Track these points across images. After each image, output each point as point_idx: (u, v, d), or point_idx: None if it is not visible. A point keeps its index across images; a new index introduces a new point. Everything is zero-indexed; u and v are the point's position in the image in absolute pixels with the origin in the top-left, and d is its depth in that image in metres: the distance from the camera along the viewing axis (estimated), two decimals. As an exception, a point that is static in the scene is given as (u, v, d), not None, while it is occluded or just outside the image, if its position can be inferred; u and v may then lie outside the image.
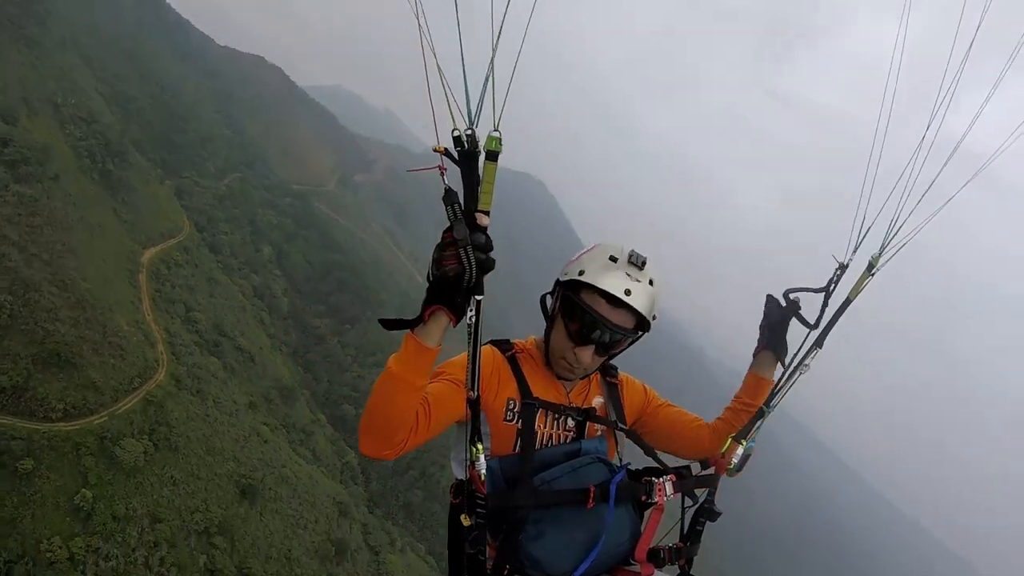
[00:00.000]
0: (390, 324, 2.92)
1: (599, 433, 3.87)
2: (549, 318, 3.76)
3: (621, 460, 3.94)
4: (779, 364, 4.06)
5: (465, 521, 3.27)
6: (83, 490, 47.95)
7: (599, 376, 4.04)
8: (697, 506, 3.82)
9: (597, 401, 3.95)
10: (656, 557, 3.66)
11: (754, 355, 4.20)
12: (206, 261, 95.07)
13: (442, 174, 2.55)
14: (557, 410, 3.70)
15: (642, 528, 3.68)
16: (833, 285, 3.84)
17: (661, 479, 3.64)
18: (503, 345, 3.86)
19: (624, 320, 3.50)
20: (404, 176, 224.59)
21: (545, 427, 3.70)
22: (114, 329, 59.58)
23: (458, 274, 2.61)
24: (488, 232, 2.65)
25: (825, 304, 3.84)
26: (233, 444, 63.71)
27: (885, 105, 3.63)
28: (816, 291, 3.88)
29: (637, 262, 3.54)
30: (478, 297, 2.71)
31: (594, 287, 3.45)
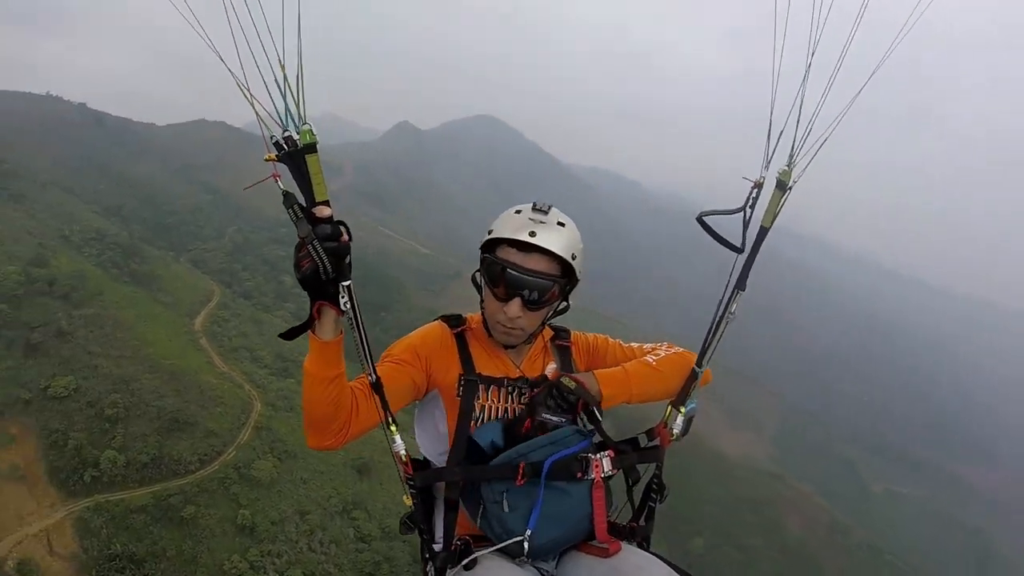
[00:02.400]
0: (289, 334, 3.01)
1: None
2: (479, 289, 3.68)
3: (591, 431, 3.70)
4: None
5: (406, 501, 3.52)
6: (241, 511, 56.08)
7: (549, 341, 3.98)
8: (646, 482, 3.78)
9: (550, 368, 3.77)
10: (617, 531, 3.65)
11: None
12: (244, 309, 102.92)
13: (276, 181, 2.66)
14: (500, 384, 3.67)
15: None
16: (749, 206, 3.42)
17: (599, 455, 3.48)
18: (452, 321, 3.85)
19: (540, 264, 3.42)
20: (374, 169, 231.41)
21: (499, 401, 3.66)
22: (207, 386, 67.95)
23: (314, 270, 2.65)
24: (336, 219, 2.69)
25: (746, 226, 3.46)
26: (335, 438, 71.89)
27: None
28: (733, 212, 3.47)
29: (542, 207, 3.51)
30: (345, 283, 2.75)
31: (504, 240, 3.44)
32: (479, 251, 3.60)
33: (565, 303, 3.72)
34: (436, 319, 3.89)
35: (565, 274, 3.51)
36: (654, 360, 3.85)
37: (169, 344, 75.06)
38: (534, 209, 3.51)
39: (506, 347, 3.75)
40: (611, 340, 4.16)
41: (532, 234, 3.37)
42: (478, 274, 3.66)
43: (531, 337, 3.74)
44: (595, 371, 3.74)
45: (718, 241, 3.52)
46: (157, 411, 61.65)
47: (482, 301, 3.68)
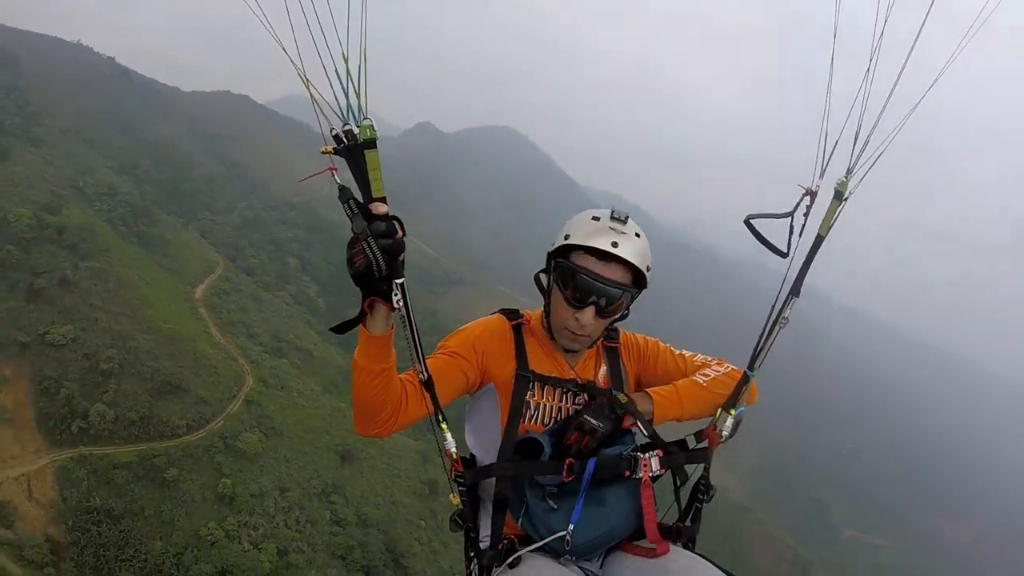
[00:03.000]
0: (340, 328, 2.97)
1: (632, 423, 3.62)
2: (546, 292, 3.67)
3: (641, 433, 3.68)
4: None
5: (454, 500, 3.41)
6: (223, 480, 56.57)
7: (601, 344, 3.92)
8: (693, 483, 3.73)
9: (602, 372, 3.83)
10: (665, 532, 3.58)
11: None
12: (246, 285, 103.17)
13: (333, 174, 2.57)
14: (554, 383, 3.64)
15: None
16: (803, 210, 3.39)
17: (647, 454, 3.45)
18: (511, 314, 3.83)
19: (617, 274, 3.41)
20: (391, 164, 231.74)
21: (553, 400, 3.64)
22: (202, 355, 68.36)
23: (368, 266, 2.60)
24: (391, 214, 2.61)
25: (791, 229, 3.41)
26: (322, 422, 72.36)
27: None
28: (781, 216, 3.43)
29: (620, 217, 3.48)
30: (398, 280, 2.69)
31: (582, 247, 3.40)
32: (550, 253, 3.57)
33: (626, 311, 3.68)
34: (495, 312, 3.90)
35: (636, 283, 3.53)
36: (705, 380, 3.81)
37: (169, 308, 75.45)
38: (612, 217, 3.47)
39: (567, 351, 3.74)
40: (662, 345, 4.10)
41: (615, 244, 3.36)
42: (543, 275, 3.69)
43: (592, 342, 3.75)
44: (649, 391, 3.73)
45: (763, 244, 3.49)
46: (151, 371, 62.12)
47: (548, 303, 3.65)
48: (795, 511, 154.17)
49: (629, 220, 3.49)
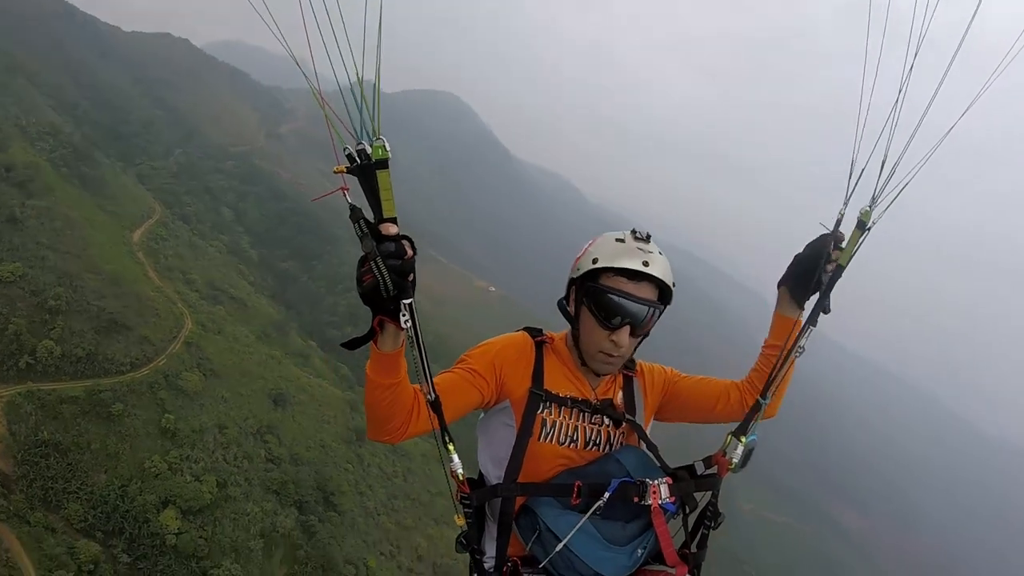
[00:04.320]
0: (350, 344, 2.97)
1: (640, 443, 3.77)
2: (573, 318, 3.65)
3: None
4: (798, 305, 3.83)
5: (459, 521, 3.46)
6: (166, 415, 58.98)
7: (619, 374, 3.92)
8: (700, 509, 3.69)
9: (619, 397, 3.84)
10: (684, 560, 3.60)
11: (777, 287, 3.92)
12: (183, 232, 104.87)
13: (344, 194, 2.60)
14: (566, 403, 3.64)
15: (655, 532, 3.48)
16: (831, 242, 3.48)
17: (656, 481, 3.43)
18: (535, 332, 3.81)
19: (648, 293, 3.44)
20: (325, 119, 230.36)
21: (570, 419, 3.65)
22: (144, 296, 70.37)
23: (375, 287, 2.61)
24: (401, 235, 2.64)
25: (825, 261, 3.50)
26: (257, 367, 75.08)
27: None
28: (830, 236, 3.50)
29: (643, 236, 3.52)
30: (406, 301, 2.69)
31: (612, 269, 3.42)
32: (576, 278, 3.60)
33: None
34: (520, 329, 3.88)
35: (661, 299, 3.54)
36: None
37: (110, 250, 77.03)
38: (636, 238, 3.50)
39: (599, 374, 3.73)
40: (679, 374, 4.15)
41: (646, 264, 3.39)
42: (569, 301, 3.69)
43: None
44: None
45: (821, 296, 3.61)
46: (97, 310, 63.98)
47: (576, 327, 3.64)
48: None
49: (651, 239, 3.54)
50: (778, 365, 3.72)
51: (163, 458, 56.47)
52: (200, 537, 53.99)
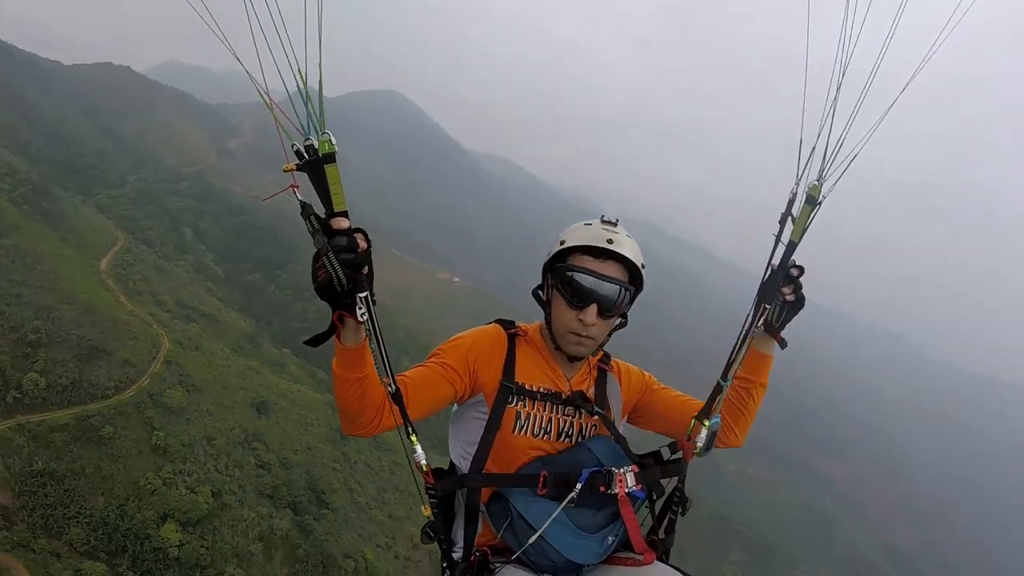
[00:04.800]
0: (313, 341, 2.98)
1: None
2: (546, 303, 3.70)
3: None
4: (771, 337, 3.80)
5: (425, 512, 3.44)
6: (155, 432, 60.25)
7: (594, 367, 3.97)
8: (667, 496, 3.75)
9: (592, 389, 3.88)
10: (653, 546, 3.65)
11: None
12: (147, 256, 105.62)
13: (294, 191, 2.62)
14: (536, 396, 3.67)
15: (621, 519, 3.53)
16: (784, 221, 3.38)
17: (622, 469, 3.48)
18: (507, 325, 3.85)
19: (614, 271, 3.49)
20: (273, 131, 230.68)
21: (543, 411, 3.68)
22: (120, 321, 71.45)
23: (329, 281, 2.63)
24: (354, 227, 2.67)
25: (777, 242, 3.40)
26: (236, 379, 76.59)
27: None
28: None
29: (611, 220, 3.57)
30: (362, 294, 2.71)
31: (578, 248, 3.49)
32: (546, 265, 3.65)
33: (624, 318, 3.73)
34: (492, 322, 3.89)
35: (632, 282, 3.57)
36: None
37: (81, 280, 77.99)
38: (603, 221, 3.56)
39: (572, 359, 3.76)
40: (657, 383, 4.18)
41: (609, 241, 3.45)
42: (540, 290, 3.76)
43: (598, 346, 3.76)
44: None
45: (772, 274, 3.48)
46: (76, 339, 65.01)
47: (548, 313, 3.68)
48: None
49: (619, 223, 3.60)
50: (737, 346, 3.66)
51: (157, 474, 57.65)
52: (201, 547, 55.22)
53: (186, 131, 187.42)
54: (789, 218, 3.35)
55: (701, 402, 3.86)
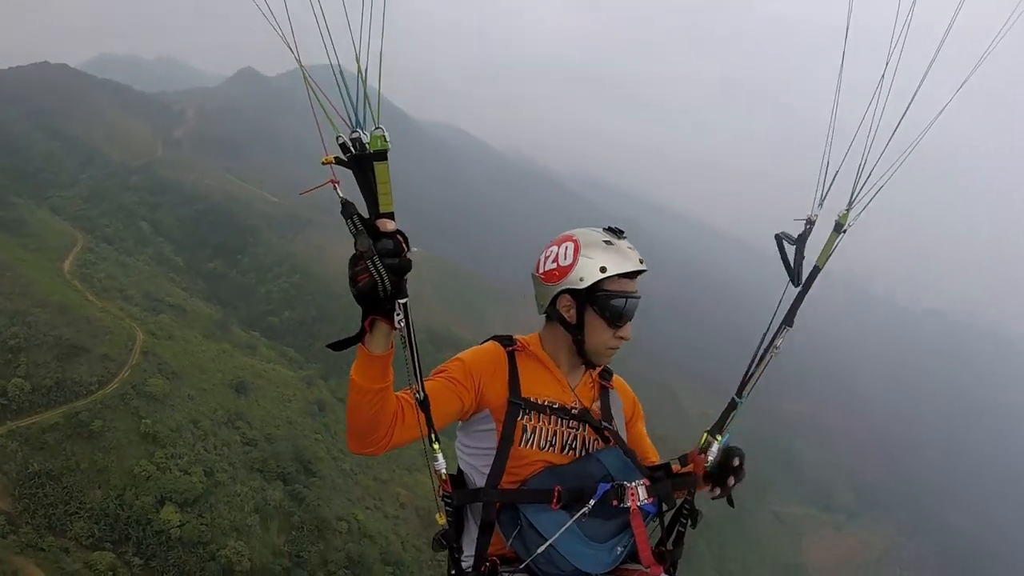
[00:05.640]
0: (338, 345, 2.89)
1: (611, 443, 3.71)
2: (575, 326, 3.64)
3: None
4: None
5: (440, 520, 3.46)
6: (143, 420, 61.98)
7: (596, 378, 3.98)
8: (676, 509, 3.73)
9: (596, 405, 3.86)
10: (661, 557, 3.65)
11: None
12: (108, 253, 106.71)
13: (335, 187, 2.48)
14: (545, 410, 3.64)
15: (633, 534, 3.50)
16: (805, 236, 3.48)
17: (634, 483, 3.46)
18: (505, 341, 3.81)
19: (636, 285, 3.61)
20: (217, 116, 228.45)
21: (549, 424, 3.64)
22: (93, 318, 72.81)
23: (372, 286, 2.51)
24: (398, 230, 2.54)
25: (800, 255, 3.49)
26: (212, 363, 78.38)
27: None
28: (792, 242, 3.50)
29: (622, 231, 3.64)
30: (402, 300, 2.62)
31: (617, 275, 3.50)
32: (576, 289, 3.55)
33: None
34: (489, 339, 3.88)
35: None
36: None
37: (50, 283, 79.04)
38: (619, 235, 3.61)
39: (594, 366, 3.85)
40: (640, 415, 4.27)
41: (641, 261, 3.54)
42: (557, 308, 3.66)
43: None
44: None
45: (785, 266, 3.53)
46: (54, 340, 66.30)
47: (581, 335, 3.64)
48: (647, 395, 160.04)
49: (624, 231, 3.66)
50: (753, 364, 3.71)
51: (150, 461, 59.47)
52: (201, 524, 57.28)
53: (129, 124, 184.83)
54: (798, 238, 3.50)
55: (655, 460, 4.07)
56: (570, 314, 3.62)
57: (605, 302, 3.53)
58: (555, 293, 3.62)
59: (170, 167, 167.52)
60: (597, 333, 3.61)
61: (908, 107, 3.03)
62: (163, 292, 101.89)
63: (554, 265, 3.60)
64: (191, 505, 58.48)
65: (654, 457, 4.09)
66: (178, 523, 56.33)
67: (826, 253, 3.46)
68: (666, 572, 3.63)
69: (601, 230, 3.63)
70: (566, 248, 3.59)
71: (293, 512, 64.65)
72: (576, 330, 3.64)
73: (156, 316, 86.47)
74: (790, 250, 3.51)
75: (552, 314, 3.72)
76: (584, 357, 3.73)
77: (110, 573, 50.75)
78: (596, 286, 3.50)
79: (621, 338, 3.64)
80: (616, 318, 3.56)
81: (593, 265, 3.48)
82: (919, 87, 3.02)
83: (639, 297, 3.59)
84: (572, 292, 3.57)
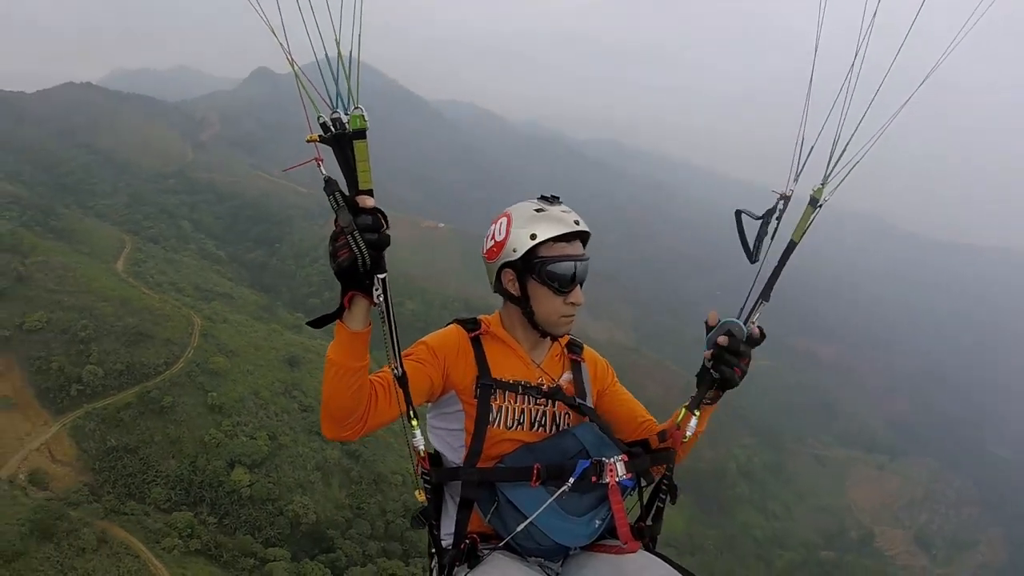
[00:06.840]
0: (317, 323, 2.89)
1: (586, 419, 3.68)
2: (520, 299, 3.59)
3: None
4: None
5: (419, 496, 3.44)
6: (209, 393, 66.57)
7: (565, 351, 3.93)
8: (655, 484, 3.63)
9: (565, 377, 3.83)
10: (640, 533, 3.56)
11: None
12: (156, 252, 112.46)
13: (319, 165, 2.53)
14: (516, 389, 3.60)
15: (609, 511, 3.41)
16: (776, 216, 3.35)
17: (612, 459, 3.38)
18: (468, 324, 3.76)
19: (580, 248, 3.54)
20: (239, 118, 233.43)
21: (515, 403, 3.61)
22: (153, 308, 77.61)
23: (352, 261, 2.54)
24: (376, 207, 2.57)
25: (762, 237, 3.37)
26: (264, 341, 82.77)
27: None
28: (756, 218, 3.37)
29: (556, 197, 3.58)
30: (381, 275, 2.66)
31: (550, 239, 3.43)
32: (514, 261, 3.50)
33: None
34: (451, 322, 3.83)
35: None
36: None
37: (108, 281, 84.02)
38: (552, 201, 3.56)
39: (555, 338, 3.74)
40: (615, 379, 4.13)
41: (577, 222, 3.46)
42: (503, 284, 3.62)
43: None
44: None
45: (742, 242, 3.43)
46: (121, 329, 70.95)
47: (528, 307, 3.59)
48: (676, 349, 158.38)
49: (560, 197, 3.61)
50: (753, 290, 3.47)
51: (218, 429, 63.69)
52: (269, 483, 61.43)
53: (158, 134, 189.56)
54: (775, 215, 3.37)
55: (647, 416, 3.97)
56: (514, 287, 3.59)
57: (542, 268, 3.47)
58: (496, 269, 3.61)
59: (202, 169, 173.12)
60: (545, 302, 3.55)
61: (887, 72, 3.01)
62: (211, 283, 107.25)
63: (492, 242, 3.59)
64: (259, 466, 62.65)
65: (645, 415, 4.00)
66: (248, 483, 60.36)
67: (801, 228, 3.36)
68: (645, 548, 3.55)
69: (535, 200, 3.61)
70: (500, 224, 3.58)
71: (351, 468, 68.47)
72: (523, 302, 3.60)
73: (209, 303, 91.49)
74: (754, 226, 3.41)
75: (500, 291, 3.70)
76: (539, 329, 3.67)
77: (189, 530, 54.74)
78: (531, 254, 3.46)
79: (573, 303, 3.57)
80: (559, 283, 3.49)
81: (524, 234, 3.45)
82: (900, 48, 2.87)
83: (586, 259, 3.55)
84: (511, 265, 3.54)
